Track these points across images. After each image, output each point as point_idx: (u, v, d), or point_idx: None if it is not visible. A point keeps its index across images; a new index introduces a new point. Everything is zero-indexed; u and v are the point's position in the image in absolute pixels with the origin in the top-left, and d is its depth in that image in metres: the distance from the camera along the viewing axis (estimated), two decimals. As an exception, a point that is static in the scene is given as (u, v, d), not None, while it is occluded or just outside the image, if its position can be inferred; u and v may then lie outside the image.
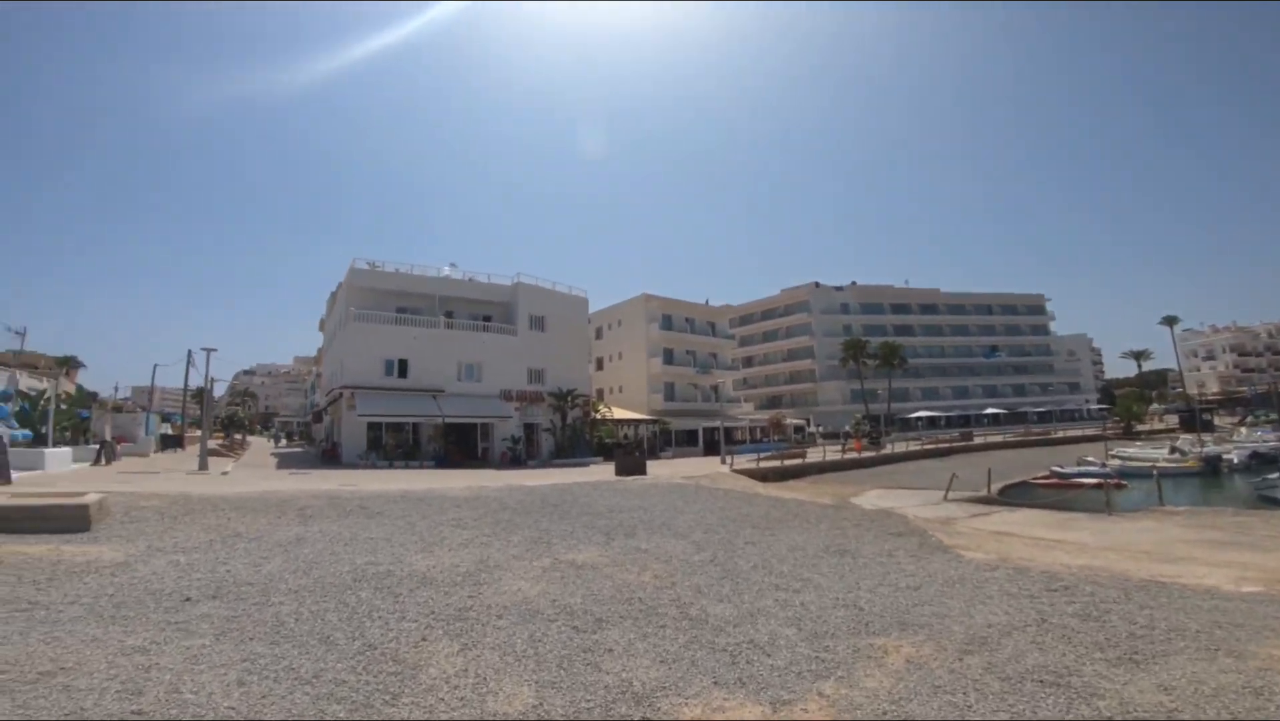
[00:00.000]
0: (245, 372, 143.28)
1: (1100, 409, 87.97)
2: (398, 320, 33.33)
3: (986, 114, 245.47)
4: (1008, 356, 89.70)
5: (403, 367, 32.73)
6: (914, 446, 46.58)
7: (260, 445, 53.73)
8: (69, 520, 9.46)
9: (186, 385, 48.06)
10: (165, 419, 46.68)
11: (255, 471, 24.92)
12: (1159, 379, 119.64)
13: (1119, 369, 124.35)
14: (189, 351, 45.37)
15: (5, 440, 17.94)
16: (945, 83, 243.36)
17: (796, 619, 5.90)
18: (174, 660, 4.42)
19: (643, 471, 23.26)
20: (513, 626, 5.41)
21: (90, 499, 10.30)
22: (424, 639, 5.06)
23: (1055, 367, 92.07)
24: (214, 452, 37.50)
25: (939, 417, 74.04)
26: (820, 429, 69.06)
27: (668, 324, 53.79)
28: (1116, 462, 37.10)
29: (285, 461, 32.44)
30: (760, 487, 23.60)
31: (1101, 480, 25.87)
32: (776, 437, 51.44)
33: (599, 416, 40.74)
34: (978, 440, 53.28)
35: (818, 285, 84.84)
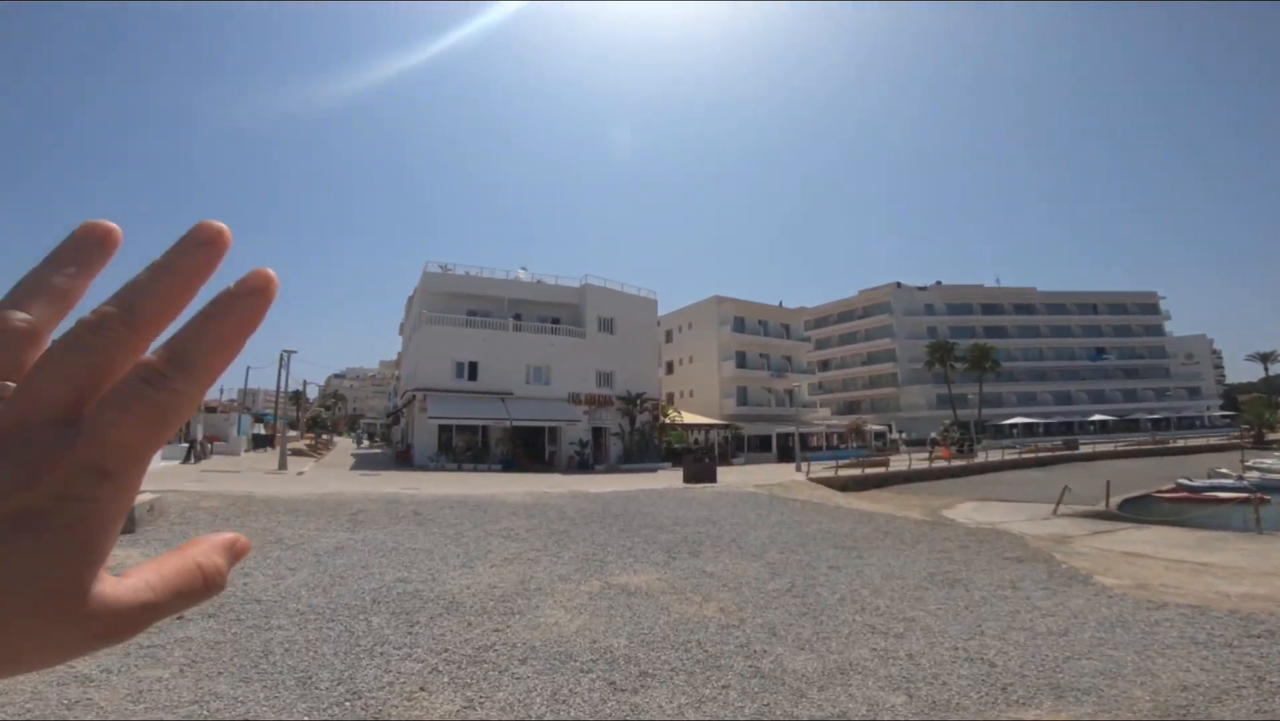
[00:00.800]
0: (336, 376, 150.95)
1: (1224, 416, 79.35)
2: (468, 323, 33.41)
3: (1090, 95, 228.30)
4: (1116, 359, 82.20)
5: (473, 370, 32.74)
6: (1009, 455, 42.85)
7: (345, 446, 55.73)
8: (112, 521, 9.15)
9: (279, 386, 50.51)
10: (259, 419, 49.04)
11: (330, 472, 25.27)
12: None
13: (1243, 372, 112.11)
14: (281, 353, 47.68)
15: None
16: (1041, 66, 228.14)
17: (904, 678, 4.53)
18: (113, 696, 3.61)
19: (712, 478, 21.94)
20: (536, 676, 4.33)
21: (143, 499, 10.07)
22: (422, 688, 4.07)
23: (1171, 371, 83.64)
24: (298, 453, 38.94)
25: (1037, 424, 68.63)
26: (903, 435, 65.26)
27: (740, 326, 52.08)
28: (1255, 475, 32.55)
29: (362, 462, 33.05)
30: (840, 498, 21.80)
31: (1243, 494, 22.47)
32: (856, 444, 48.71)
33: (668, 421, 39.62)
34: (1084, 448, 48.65)
35: (899, 285, 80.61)
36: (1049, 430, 68.35)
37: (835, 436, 52.24)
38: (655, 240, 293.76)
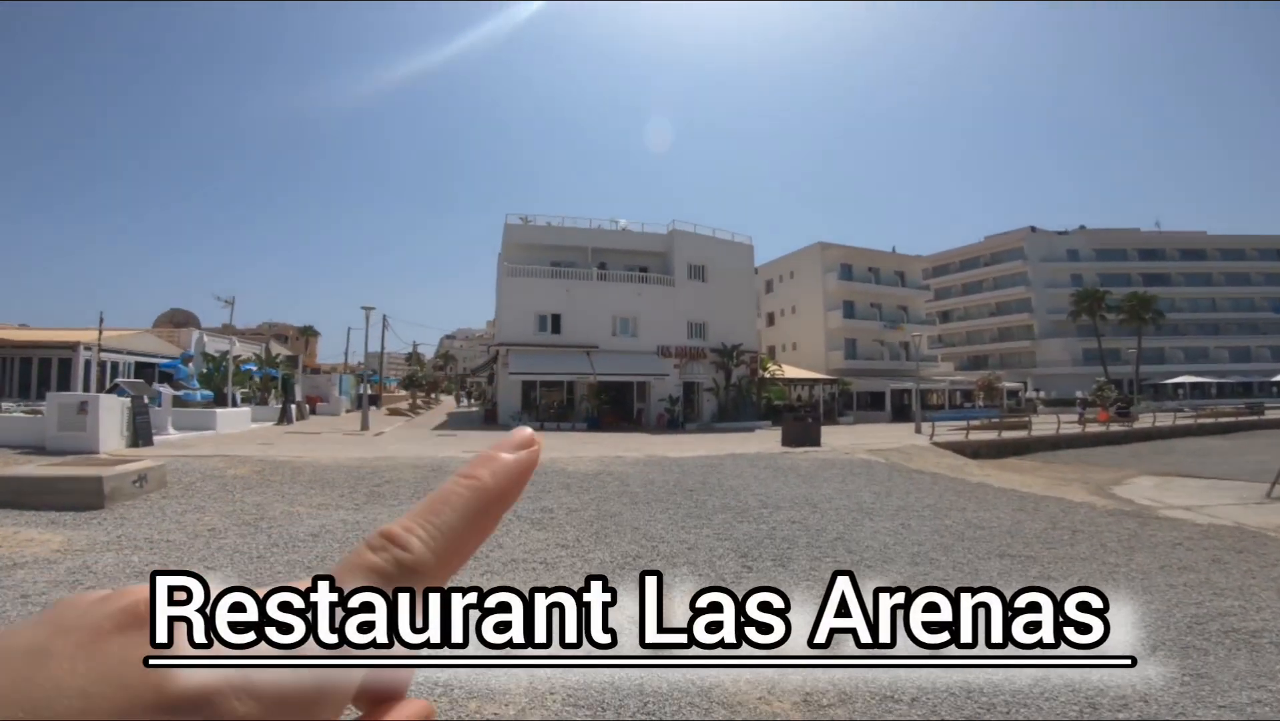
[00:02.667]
0: (448, 336, 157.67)
1: None
2: (550, 274, 31.61)
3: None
4: (1308, 310, 68.75)
5: (555, 323, 31.04)
6: (1182, 419, 36.06)
7: (448, 405, 56.72)
8: (81, 495, 7.75)
9: (383, 347, 51.87)
10: (363, 379, 50.54)
11: (411, 433, 24.54)
12: None
13: None
14: (383, 316, 48.64)
15: (163, 399, 18.47)
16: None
17: None
18: None
19: (816, 442, 18.87)
20: None
21: (127, 469, 8.67)
22: None
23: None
24: (396, 412, 39.44)
25: (1209, 384, 58.66)
26: (1040, 394, 57.95)
27: (847, 274, 47.31)
28: None
29: (451, 422, 32.56)
30: (974, 467, 18.11)
31: None
32: (984, 403, 43.15)
33: (768, 375, 36.35)
34: (1272, 413, 40.39)
35: (1034, 230, 71.08)
36: (1223, 391, 58.30)
37: (959, 394, 46.71)
38: (754, 189, 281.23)
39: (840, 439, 22.34)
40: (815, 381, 39.53)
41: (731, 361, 33.05)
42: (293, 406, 26.95)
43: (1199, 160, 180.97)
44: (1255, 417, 38.91)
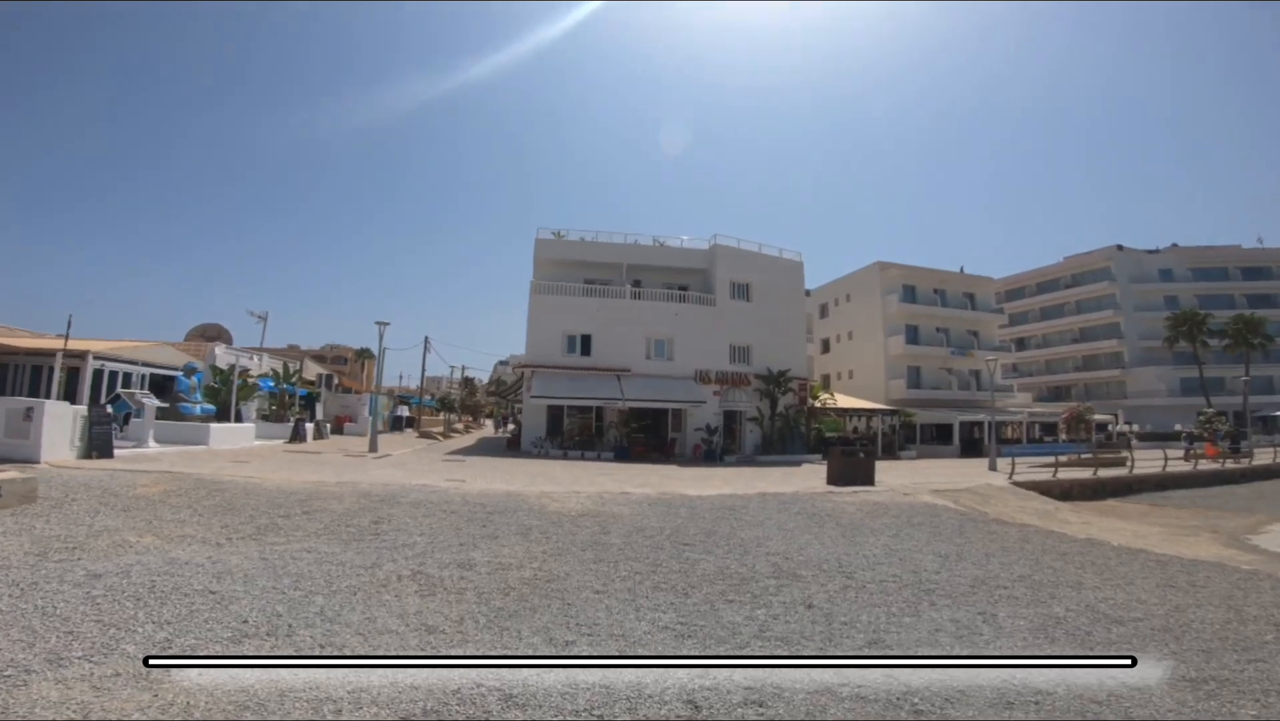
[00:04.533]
0: (501, 362, 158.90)
1: None
2: (580, 291, 29.66)
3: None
4: None
5: (585, 344, 28.94)
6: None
7: (489, 430, 55.42)
8: None
9: (423, 370, 51.16)
10: (403, 401, 49.83)
11: (420, 457, 22.72)
12: None
13: None
14: (425, 338, 47.92)
15: (145, 411, 17.28)
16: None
17: None
18: None
19: (869, 480, 15.86)
20: None
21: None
22: None
23: None
24: (428, 435, 38.09)
25: (1328, 418, 51.26)
26: (1133, 427, 52.00)
27: (910, 296, 43.61)
28: None
29: (477, 448, 30.74)
30: (1069, 513, 14.71)
31: None
32: (1068, 438, 38.38)
33: (818, 404, 33.13)
34: None
35: (1121, 248, 65.14)
36: (1346, 426, 50.89)
37: (1038, 427, 41.96)
38: (811, 208, 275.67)
39: (899, 476, 19.15)
40: (873, 412, 35.97)
41: (778, 389, 30.11)
42: (307, 425, 25.72)
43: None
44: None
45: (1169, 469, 24.08)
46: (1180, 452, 27.87)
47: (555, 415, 28.09)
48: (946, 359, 43.39)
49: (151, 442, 17.24)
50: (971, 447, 37.08)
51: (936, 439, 37.78)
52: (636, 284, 30.88)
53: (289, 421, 25.71)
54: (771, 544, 8.00)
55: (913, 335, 42.71)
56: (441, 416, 42.01)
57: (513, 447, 28.68)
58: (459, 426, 53.69)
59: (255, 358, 29.93)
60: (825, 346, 49.01)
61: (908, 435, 36.99)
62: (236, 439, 20.96)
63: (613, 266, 31.37)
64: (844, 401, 35.79)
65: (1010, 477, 18.83)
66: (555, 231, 32.45)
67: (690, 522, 9.55)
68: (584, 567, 6.52)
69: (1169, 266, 63.57)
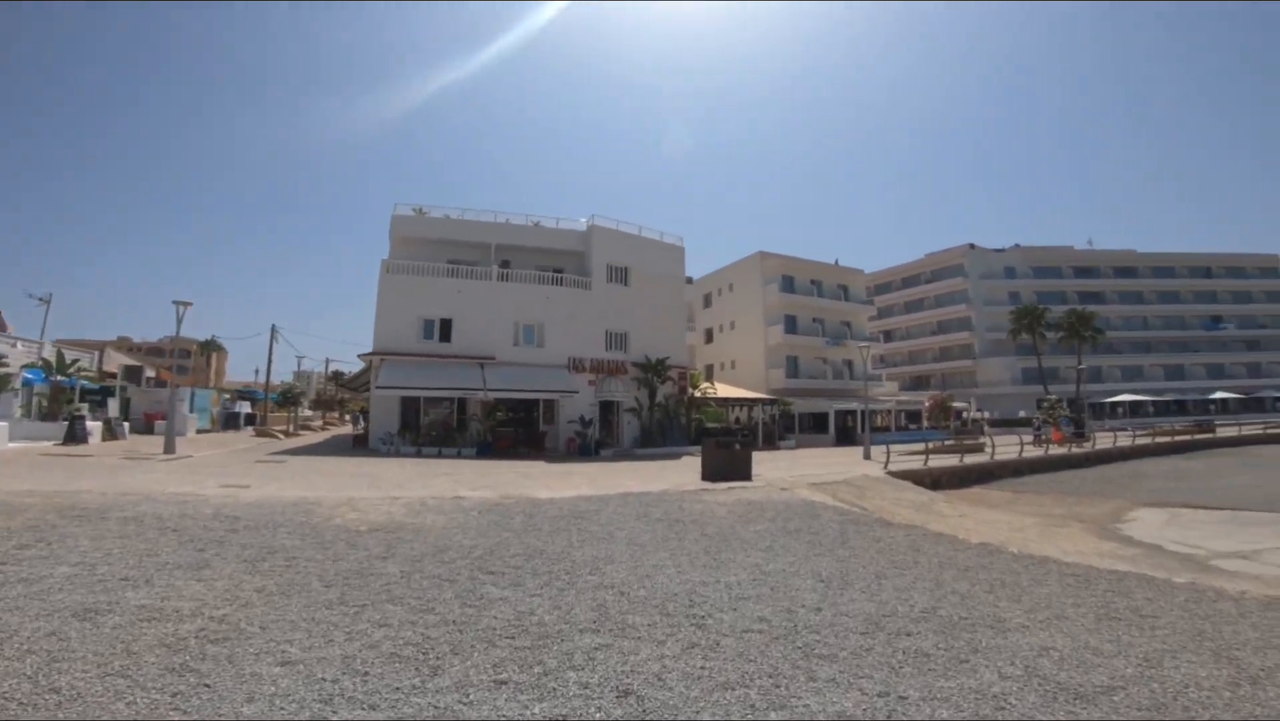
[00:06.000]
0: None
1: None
2: (440, 271, 26.60)
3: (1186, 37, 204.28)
4: (1236, 329, 69.88)
5: (445, 330, 25.96)
6: (1140, 439, 33.69)
7: (344, 427, 50.26)
8: None
9: (269, 361, 45.29)
10: (245, 397, 43.93)
11: (232, 458, 18.99)
12: None
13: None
14: (272, 326, 42.27)
15: None
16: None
17: None
18: None
19: (745, 475, 14.48)
20: None
21: None
22: None
23: (1301, 343, 70.71)
24: (266, 434, 33.30)
25: (1145, 403, 57.99)
26: (985, 414, 55.98)
27: (789, 286, 43.94)
28: None
29: (320, 447, 26.87)
30: (944, 505, 14.06)
31: None
32: (930, 425, 40.08)
33: (699, 394, 32.10)
34: (1226, 432, 38.73)
35: (973, 247, 70.25)
36: (1159, 410, 57.83)
37: (903, 415, 43.68)
38: (684, 201, 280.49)
39: (778, 468, 18.11)
40: (754, 401, 35.56)
41: (657, 377, 28.66)
42: (89, 424, 21.08)
43: (1125, 180, 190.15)
44: (1209, 436, 37.19)
45: (1024, 455, 25.00)
46: (1030, 438, 29.38)
47: (411, 408, 24.98)
48: (823, 349, 44.14)
49: None
50: (845, 436, 37.70)
51: (814, 427, 38.12)
52: (505, 264, 28.21)
53: (66, 420, 20.92)
54: (612, 568, 6.07)
55: (791, 325, 43.03)
56: (287, 413, 37.02)
57: (360, 446, 25.23)
58: (317, 424, 48.24)
59: (19, 345, 24.35)
60: (709, 336, 48.57)
61: (787, 424, 36.99)
62: (-30, 443, 16.37)
63: (480, 246, 28.52)
64: (725, 391, 35.11)
65: (885, 467, 18.31)
66: (416, 208, 29.08)
67: (519, 537, 7.45)
68: (303, 614, 4.28)
69: (1013, 264, 69.24)
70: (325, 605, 4.74)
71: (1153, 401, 58.95)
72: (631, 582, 5.54)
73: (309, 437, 34.61)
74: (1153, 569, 7.69)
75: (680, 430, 29.88)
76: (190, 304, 20.06)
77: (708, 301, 49.31)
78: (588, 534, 7.80)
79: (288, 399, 36.82)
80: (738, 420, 35.60)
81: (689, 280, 42.48)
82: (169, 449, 18.85)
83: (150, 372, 37.60)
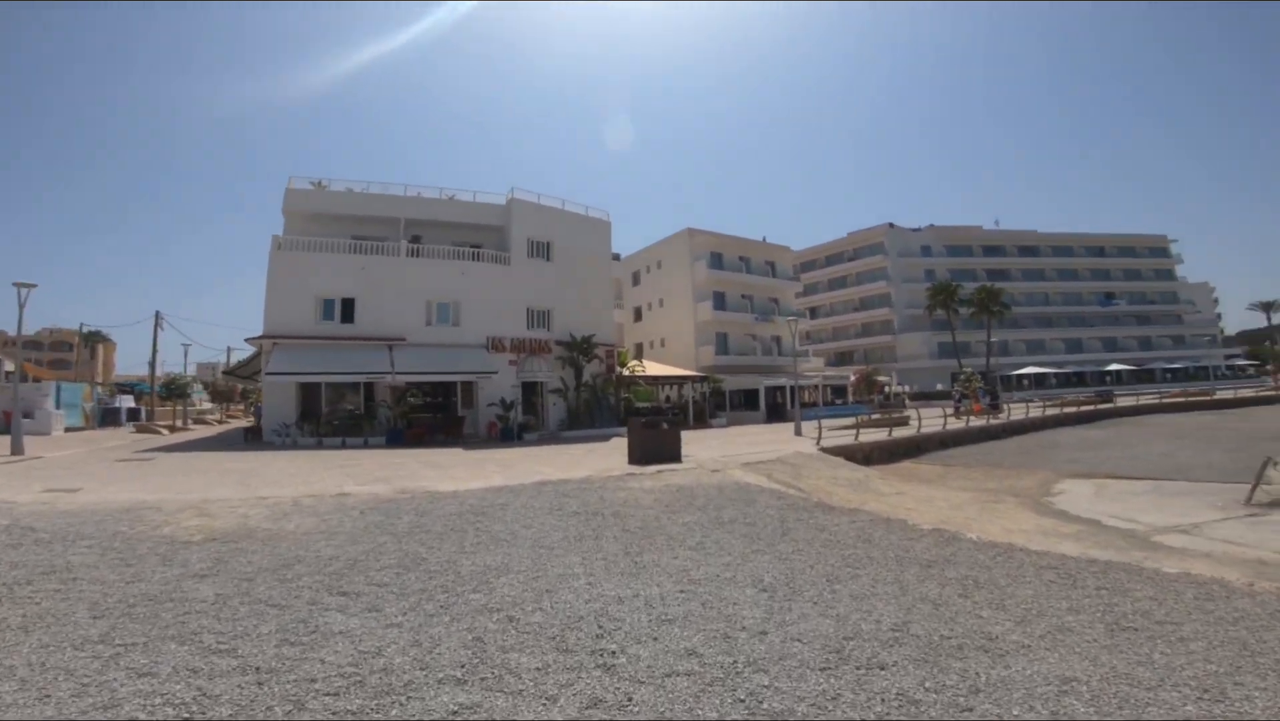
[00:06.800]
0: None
1: (1248, 364, 73.05)
2: (339, 249, 24.23)
3: (1084, 42, 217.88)
4: (1128, 305, 75.09)
5: (347, 310, 23.70)
6: (1049, 410, 35.16)
7: (238, 421, 46.38)
8: None
9: (154, 350, 40.87)
10: (126, 390, 39.65)
11: (92, 457, 16.48)
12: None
13: (1239, 322, 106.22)
14: (156, 313, 38.00)
15: None
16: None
17: None
18: None
19: (675, 456, 13.49)
20: None
21: None
22: None
23: (1185, 318, 76.86)
24: (146, 429, 29.93)
25: (1048, 375, 61.45)
26: (906, 388, 57.80)
27: (717, 263, 43.34)
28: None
29: (207, 442, 24.19)
30: (880, 482, 13.55)
31: None
32: (855, 399, 40.67)
33: (627, 372, 31.03)
34: (1125, 401, 41.16)
35: (892, 226, 72.16)
36: (1061, 381, 61.48)
37: (829, 390, 44.19)
38: (613, 181, 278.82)
39: (709, 447, 17.27)
40: (684, 379, 34.83)
41: (583, 356, 27.38)
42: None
43: (1024, 165, 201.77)
44: (1110, 406, 39.34)
45: (948, 427, 25.32)
46: (951, 410, 29.97)
47: (311, 396, 22.74)
48: (752, 325, 43.95)
49: None
50: (776, 412, 37.61)
51: (745, 404, 37.82)
52: (416, 240, 26.05)
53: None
54: (505, 581, 4.85)
55: (720, 302, 42.55)
56: (170, 406, 33.45)
57: (255, 439, 22.77)
58: (214, 418, 44.15)
59: None
60: (638, 315, 47.51)
61: (718, 402, 36.53)
62: None
63: (388, 221, 26.21)
64: (654, 369, 34.18)
65: (818, 444, 17.79)
66: (315, 181, 26.39)
67: (399, 542, 6.11)
68: (31, 657, 2.91)
69: (928, 243, 71.60)
70: (75, 644, 3.35)
71: (1055, 374, 62.46)
72: (526, 601, 4.35)
73: (199, 432, 31.43)
74: (1103, 548, 7.17)
75: (609, 411, 28.77)
76: (35, 285, 17.26)
77: (636, 279, 48.18)
78: (485, 535, 6.54)
79: (173, 391, 33.20)
80: (668, 399, 34.84)
81: (616, 257, 41.20)
82: (16, 449, 16.19)
83: (10, 366, 33.23)
